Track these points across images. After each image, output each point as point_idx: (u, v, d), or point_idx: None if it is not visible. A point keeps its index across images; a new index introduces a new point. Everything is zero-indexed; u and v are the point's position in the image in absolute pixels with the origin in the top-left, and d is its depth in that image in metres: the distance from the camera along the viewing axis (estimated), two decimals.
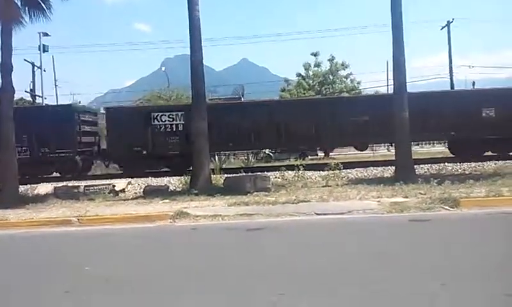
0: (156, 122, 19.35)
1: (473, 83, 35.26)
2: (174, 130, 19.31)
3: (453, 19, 36.91)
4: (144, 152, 19.23)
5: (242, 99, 35.22)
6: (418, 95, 18.84)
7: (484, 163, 16.83)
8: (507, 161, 16.90)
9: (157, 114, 19.52)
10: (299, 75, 37.69)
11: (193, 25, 14.00)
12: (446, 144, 23.80)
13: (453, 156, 19.61)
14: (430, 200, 9.76)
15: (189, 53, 14.29)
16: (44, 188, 15.17)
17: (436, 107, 18.91)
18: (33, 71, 37.16)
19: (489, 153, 19.14)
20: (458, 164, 16.87)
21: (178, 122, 19.25)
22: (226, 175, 14.93)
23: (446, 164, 16.90)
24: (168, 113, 19.51)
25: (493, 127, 18.73)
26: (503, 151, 18.80)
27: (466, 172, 15.37)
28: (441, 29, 37.77)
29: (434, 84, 39.04)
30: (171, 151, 19.23)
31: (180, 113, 19.25)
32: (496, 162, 16.92)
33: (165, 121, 19.35)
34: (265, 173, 15.47)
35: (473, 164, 16.70)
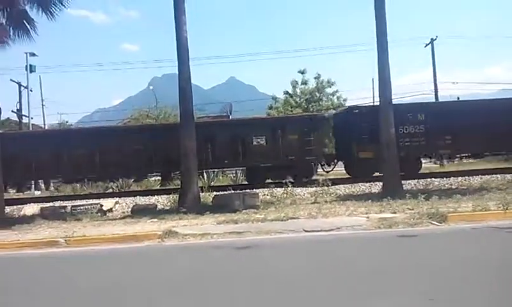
0: None
1: (458, 98, 35.88)
2: None
3: (436, 36, 37.71)
4: None
5: (231, 117, 35.40)
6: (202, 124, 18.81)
7: (471, 177, 17.03)
8: (493, 175, 17.12)
9: None
10: (286, 92, 37.98)
11: (181, 46, 14.09)
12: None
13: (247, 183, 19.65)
14: (418, 215, 9.79)
15: (177, 71, 14.35)
16: (30, 209, 14.98)
17: (220, 135, 19.08)
18: (20, 91, 36.98)
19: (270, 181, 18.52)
20: (445, 178, 17.05)
21: None
22: (215, 193, 14.90)
23: (433, 178, 17.06)
24: None
25: (264, 155, 18.91)
26: (280, 177, 18.49)
27: (453, 187, 15.55)
28: (425, 46, 38.51)
29: (419, 100, 39.44)
30: None
31: None
32: (482, 176, 17.12)
33: None
34: (254, 190, 15.48)
35: (459, 179, 16.89)
